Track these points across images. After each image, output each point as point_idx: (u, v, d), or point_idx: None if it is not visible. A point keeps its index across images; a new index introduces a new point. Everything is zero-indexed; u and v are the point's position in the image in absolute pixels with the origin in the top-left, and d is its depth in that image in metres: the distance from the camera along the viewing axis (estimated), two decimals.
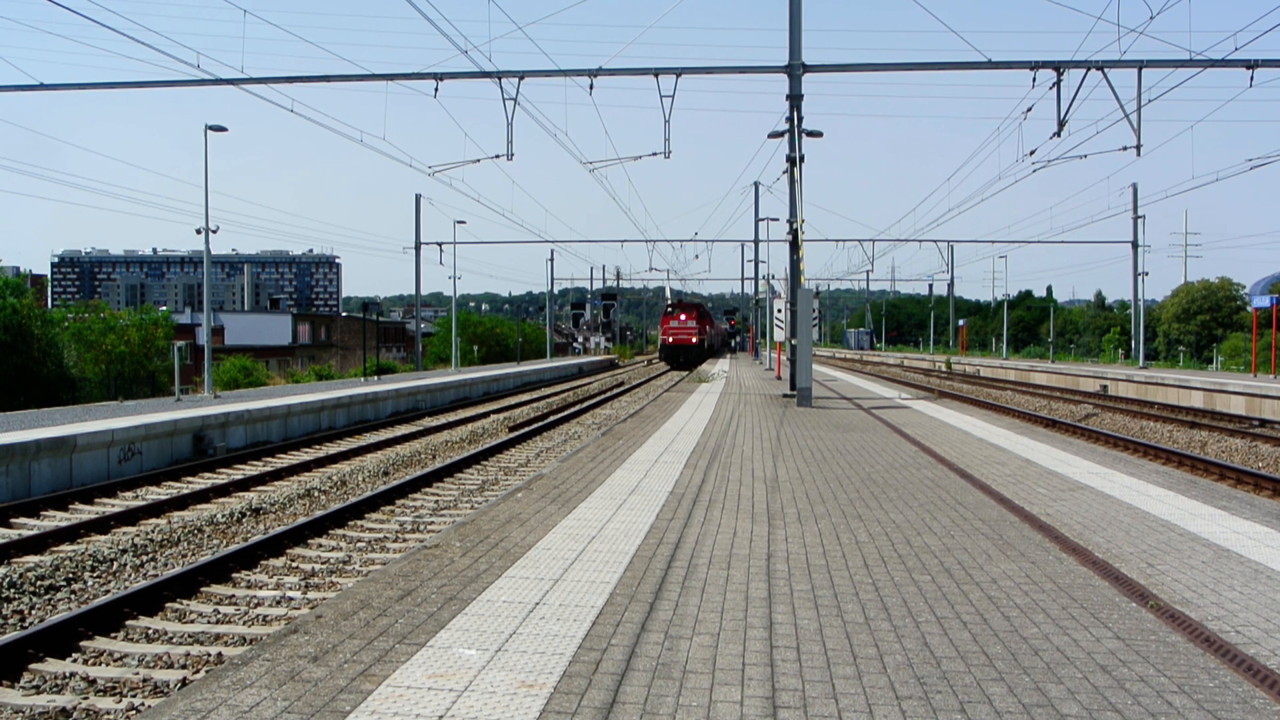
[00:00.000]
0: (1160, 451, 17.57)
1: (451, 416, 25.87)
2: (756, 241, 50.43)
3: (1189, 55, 19.66)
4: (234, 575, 8.86)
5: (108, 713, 5.72)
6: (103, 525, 11.05)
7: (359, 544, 10.19)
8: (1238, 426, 22.24)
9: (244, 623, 7.54)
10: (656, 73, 20.68)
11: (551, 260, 66.39)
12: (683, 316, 55.85)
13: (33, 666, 6.44)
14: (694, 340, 54.87)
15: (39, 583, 8.45)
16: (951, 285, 72.90)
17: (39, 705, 5.81)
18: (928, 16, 55.40)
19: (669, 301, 63.26)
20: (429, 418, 25.72)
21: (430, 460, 16.72)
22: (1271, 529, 7.49)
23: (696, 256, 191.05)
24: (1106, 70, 19.69)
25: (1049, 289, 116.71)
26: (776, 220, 63.07)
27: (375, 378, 33.51)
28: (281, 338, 69.08)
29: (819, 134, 22.34)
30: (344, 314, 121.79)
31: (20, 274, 44.07)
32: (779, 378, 31.85)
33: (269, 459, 17.17)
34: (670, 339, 55.95)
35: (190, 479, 14.91)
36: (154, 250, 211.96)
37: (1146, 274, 47.30)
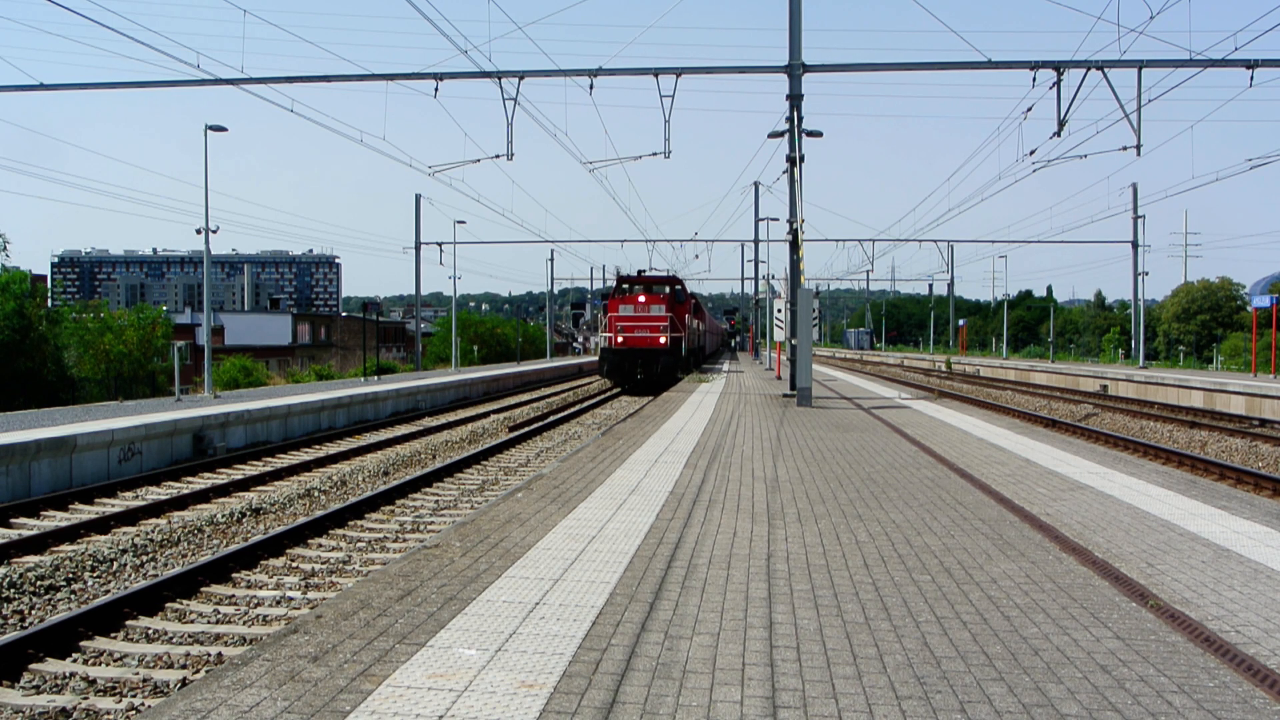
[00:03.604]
0: (1160, 451, 17.57)
1: (451, 416, 25.86)
2: (756, 241, 50.40)
3: (1189, 55, 19.67)
4: (234, 575, 8.86)
5: (108, 713, 5.72)
6: (103, 525, 11.05)
7: (359, 544, 10.19)
8: (1238, 426, 22.24)
9: (244, 623, 7.54)
10: (656, 73, 20.67)
11: (551, 260, 66.34)
12: (642, 299, 32.23)
13: (33, 666, 6.44)
14: (662, 340, 31.49)
15: (39, 583, 8.45)
16: (951, 285, 72.94)
17: (39, 705, 5.81)
18: (928, 16, 55.46)
19: (620, 275, 36.06)
20: (429, 418, 25.72)
21: (430, 460, 16.72)
22: (1271, 529, 7.49)
23: (696, 256, 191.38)
24: (1106, 70, 19.69)
25: (1049, 289, 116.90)
26: (776, 220, 62.98)
27: (375, 378, 33.51)
28: (281, 338, 69.09)
29: (819, 134, 22.34)
30: (344, 314, 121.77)
31: (38, 279, 44.07)
32: (779, 378, 31.84)
33: (269, 459, 17.17)
34: (619, 338, 31.75)
35: (190, 479, 14.91)
36: (154, 250, 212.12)
37: (1146, 274, 47.33)
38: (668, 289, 34.05)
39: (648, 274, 36.57)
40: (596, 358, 39.88)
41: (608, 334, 32.49)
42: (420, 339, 52.02)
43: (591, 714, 3.77)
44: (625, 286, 34.03)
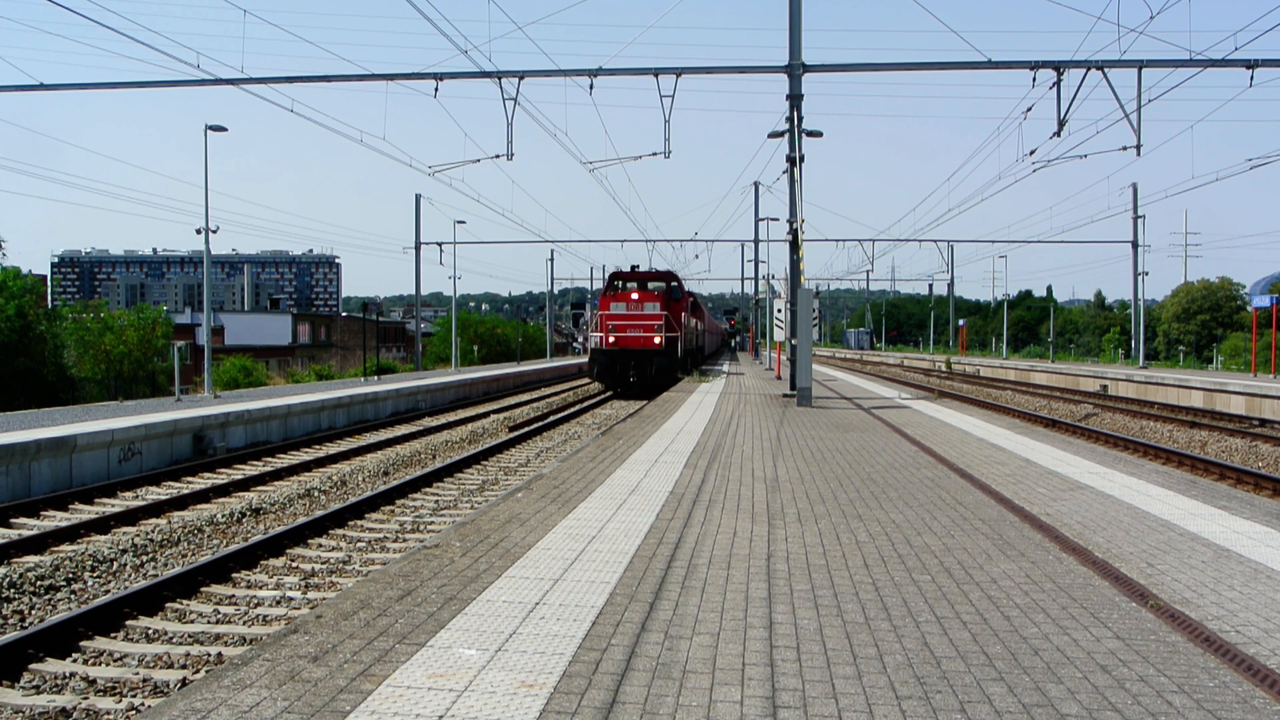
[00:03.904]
0: (1160, 451, 17.57)
1: (451, 416, 25.86)
2: (756, 241, 50.42)
3: (1189, 55, 19.67)
4: (234, 575, 8.86)
5: (108, 713, 5.72)
6: (103, 525, 11.05)
7: (359, 544, 10.19)
8: (1238, 426, 22.24)
9: (244, 623, 7.54)
10: (656, 73, 20.68)
11: (551, 260, 66.34)
12: (635, 295, 30.23)
13: (33, 666, 6.45)
14: (656, 341, 29.41)
15: (39, 583, 8.45)
16: (951, 285, 72.95)
17: (39, 705, 5.81)
18: (928, 16, 55.42)
19: (613, 272, 33.83)
20: (429, 418, 25.72)
21: (430, 460, 16.72)
22: (1271, 529, 7.49)
23: (696, 256, 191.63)
24: (1106, 70, 19.69)
25: (1049, 289, 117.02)
26: (776, 220, 63.00)
27: (375, 378, 33.51)
28: (281, 338, 69.12)
29: (819, 134, 22.34)
30: (344, 314, 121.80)
31: (35, 277, 44.18)
32: (779, 378, 31.84)
33: (269, 459, 17.17)
34: (610, 338, 29.81)
35: (190, 479, 14.91)
36: (154, 250, 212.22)
37: (1146, 274, 47.35)
38: (664, 286, 32.06)
39: (643, 270, 34.30)
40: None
41: (598, 333, 30.37)
42: (420, 339, 52.01)
43: (591, 714, 3.77)
44: (618, 283, 32.11)
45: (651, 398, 27.09)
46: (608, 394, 31.64)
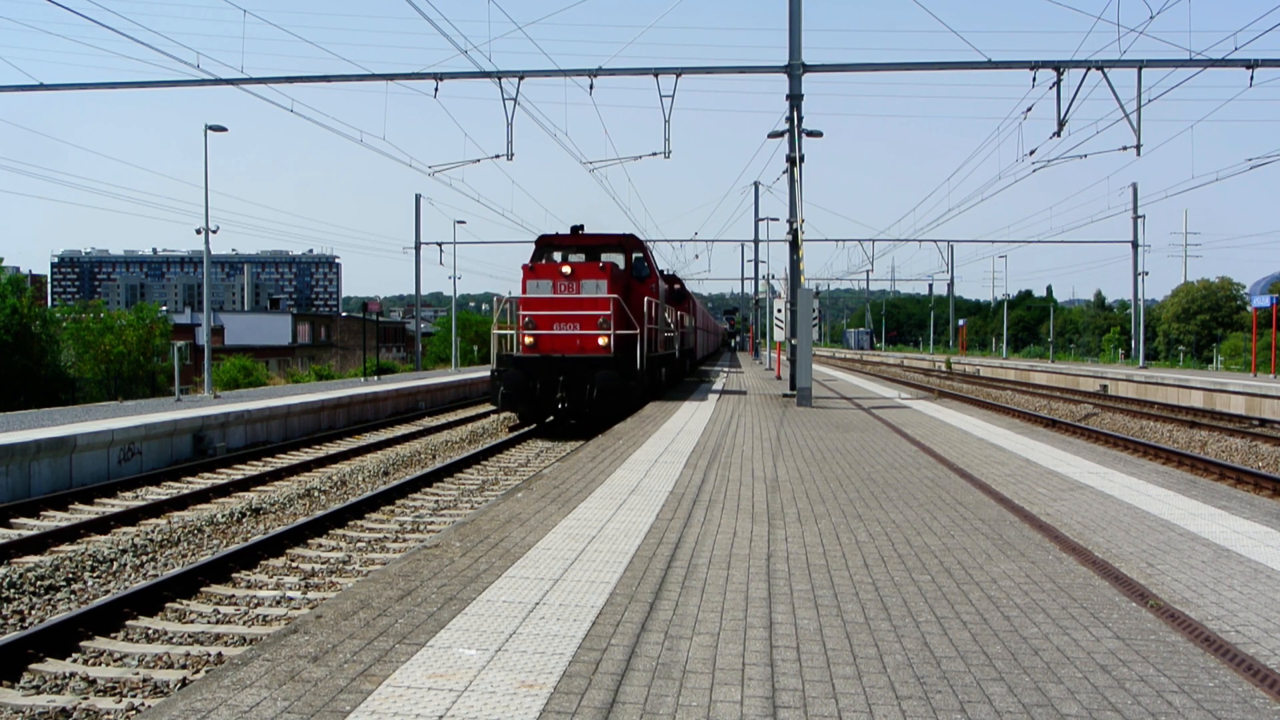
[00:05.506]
0: (1160, 451, 17.57)
1: (451, 416, 25.86)
2: (756, 241, 50.44)
3: (1189, 55, 19.67)
4: (234, 575, 8.86)
5: (108, 713, 5.72)
6: (103, 525, 11.05)
7: (359, 544, 10.19)
8: (1238, 426, 22.25)
9: (244, 623, 7.54)
10: (656, 73, 20.67)
11: None
12: (567, 270, 18.65)
13: (33, 666, 6.45)
14: (602, 343, 18.57)
15: (39, 583, 8.45)
16: (951, 285, 73.00)
17: (39, 705, 5.81)
18: (928, 16, 55.27)
19: (543, 236, 21.21)
20: (429, 418, 25.72)
21: (430, 460, 16.71)
22: (1271, 529, 7.48)
23: (696, 256, 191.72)
24: (1106, 70, 19.69)
25: (1049, 289, 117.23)
26: (776, 220, 63.15)
27: (375, 378, 33.51)
28: (281, 338, 69.14)
29: (819, 134, 22.34)
30: (344, 314, 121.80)
31: (20, 275, 44.13)
32: (779, 378, 31.84)
33: (269, 459, 17.17)
34: (528, 339, 18.81)
35: (190, 479, 14.91)
36: (154, 250, 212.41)
37: (1146, 274, 47.41)
38: (620, 258, 21.16)
39: (589, 233, 21.45)
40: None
41: (510, 329, 20.09)
42: (420, 339, 52.02)
43: (591, 714, 3.77)
44: (551, 253, 20.86)
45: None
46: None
